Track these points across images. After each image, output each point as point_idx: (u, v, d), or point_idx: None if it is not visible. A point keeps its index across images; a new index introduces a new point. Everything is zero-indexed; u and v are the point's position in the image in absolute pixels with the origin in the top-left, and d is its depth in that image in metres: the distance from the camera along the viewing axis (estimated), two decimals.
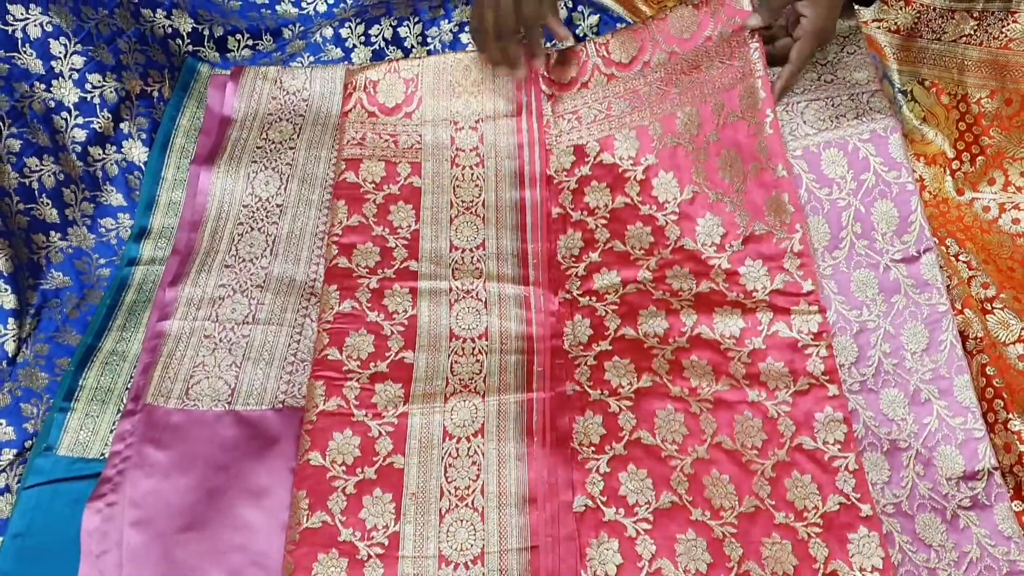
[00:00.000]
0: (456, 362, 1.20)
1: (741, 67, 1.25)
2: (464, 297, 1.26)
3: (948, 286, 1.20)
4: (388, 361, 1.19)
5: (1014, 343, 1.19)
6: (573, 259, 1.29)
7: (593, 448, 1.11)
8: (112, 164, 1.38)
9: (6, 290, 1.21)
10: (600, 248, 1.29)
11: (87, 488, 1.10)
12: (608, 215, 1.32)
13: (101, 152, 1.36)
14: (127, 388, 1.20)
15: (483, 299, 1.25)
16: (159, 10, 1.47)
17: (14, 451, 1.14)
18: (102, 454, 1.14)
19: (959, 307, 1.21)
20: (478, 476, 1.10)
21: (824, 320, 1.16)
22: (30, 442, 1.15)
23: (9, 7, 1.25)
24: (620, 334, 1.21)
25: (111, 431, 1.15)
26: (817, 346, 1.15)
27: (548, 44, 1.48)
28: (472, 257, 1.30)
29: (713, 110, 1.28)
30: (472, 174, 1.39)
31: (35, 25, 1.27)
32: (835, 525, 1.05)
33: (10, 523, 1.08)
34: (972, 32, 1.36)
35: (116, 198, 1.37)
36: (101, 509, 1.08)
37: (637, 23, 1.38)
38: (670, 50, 1.32)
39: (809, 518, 1.05)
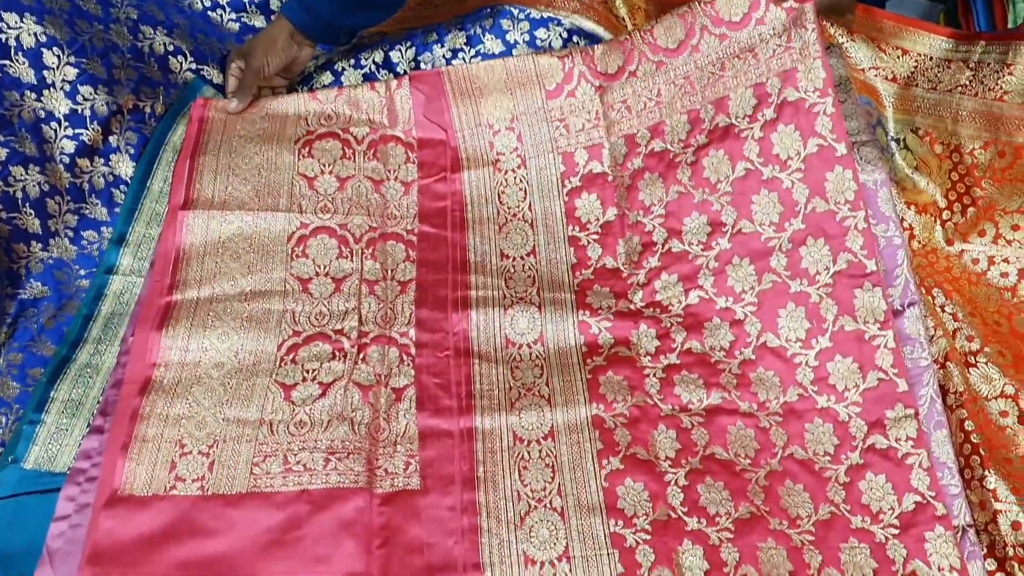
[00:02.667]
0: (516, 367, 1.24)
1: (800, 48, 1.24)
2: (517, 303, 1.29)
3: (931, 337, 1.19)
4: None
5: (996, 398, 1.19)
6: (633, 265, 1.32)
7: (669, 461, 1.16)
8: (99, 177, 1.38)
9: None
10: (659, 251, 1.32)
11: (52, 501, 1.11)
12: (664, 211, 1.33)
13: (89, 164, 1.37)
14: (98, 402, 1.20)
15: (536, 304, 1.29)
16: (159, 28, 1.47)
17: None
18: (69, 468, 1.15)
19: (942, 360, 1.20)
20: (553, 478, 1.14)
21: (889, 307, 1.18)
22: None
23: (4, 15, 1.28)
24: (687, 347, 1.25)
25: (79, 444, 1.16)
26: (884, 336, 1.17)
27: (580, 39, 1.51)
28: (524, 265, 1.32)
29: (769, 90, 1.27)
30: (515, 177, 1.39)
31: (29, 34, 1.30)
32: (912, 525, 1.09)
33: None
34: (968, 83, 1.37)
35: (100, 211, 1.38)
36: (64, 531, 1.08)
37: (682, 8, 1.34)
38: (720, 33, 1.30)
39: (885, 520, 1.10)
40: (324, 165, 1.37)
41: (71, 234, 1.37)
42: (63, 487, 1.11)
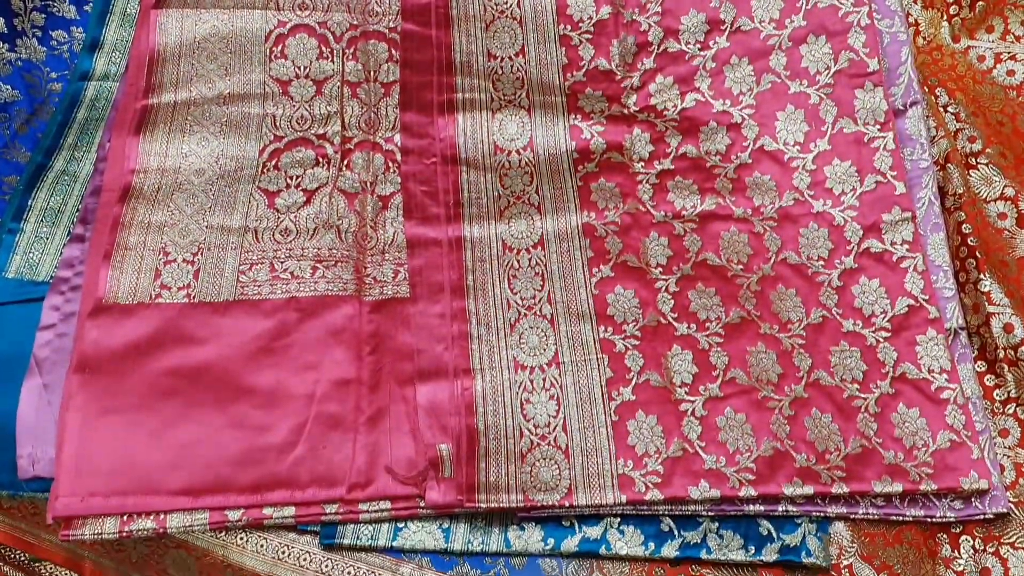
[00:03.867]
0: (505, 175, 1.22)
1: None
2: (505, 106, 1.25)
3: (932, 138, 1.16)
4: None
5: (995, 200, 1.18)
6: (627, 67, 1.27)
7: (661, 268, 1.16)
8: None
9: None
10: (654, 52, 1.27)
11: (36, 311, 1.11)
12: (661, 8, 1.28)
13: None
14: (77, 210, 1.19)
15: (526, 108, 1.25)
16: None
17: None
18: (51, 277, 1.15)
19: (942, 161, 1.18)
20: (543, 286, 1.15)
21: (890, 108, 1.19)
22: None
23: None
24: (681, 152, 1.23)
25: (61, 253, 1.15)
26: (883, 137, 1.17)
27: None
28: (512, 66, 1.27)
29: None
30: None
31: None
32: (904, 328, 1.10)
33: None
34: None
35: (68, 9, 1.34)
36: (50, 340, 1.09)
37: None
38: None
39: (878, 323, 1.11)
40: None
41: (39, 34, 1.32)
42: (47, 296, 1.12)
